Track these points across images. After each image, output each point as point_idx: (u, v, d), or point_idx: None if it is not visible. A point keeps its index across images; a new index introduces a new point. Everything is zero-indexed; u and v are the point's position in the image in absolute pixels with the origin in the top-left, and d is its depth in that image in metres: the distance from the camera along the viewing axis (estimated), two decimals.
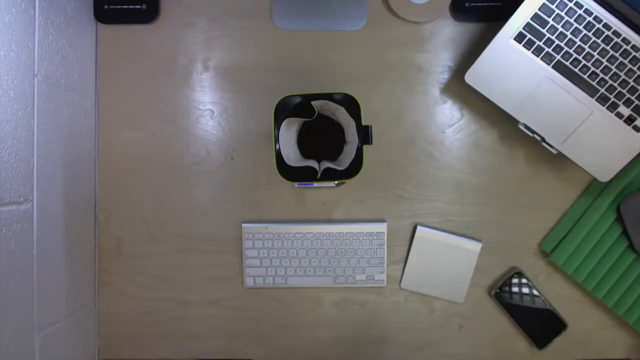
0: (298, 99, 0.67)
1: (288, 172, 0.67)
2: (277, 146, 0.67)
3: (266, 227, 0.79)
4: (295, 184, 0.78)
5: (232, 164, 0.81)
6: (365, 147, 0.67)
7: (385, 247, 0.79)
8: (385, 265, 0.80)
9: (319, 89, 0.74)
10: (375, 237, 0.79)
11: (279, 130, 0.67)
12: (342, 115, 0.68)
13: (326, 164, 0.67)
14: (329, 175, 0.67)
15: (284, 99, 0.67)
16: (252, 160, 0.80)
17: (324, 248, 0.79)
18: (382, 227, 0.79)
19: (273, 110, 0.67)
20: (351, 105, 0.67)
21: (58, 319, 0.70)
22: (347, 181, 0.68)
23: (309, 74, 0.80)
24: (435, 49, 0.80)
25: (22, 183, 0.62)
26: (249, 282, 0.80)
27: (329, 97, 0.67)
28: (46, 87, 0.67)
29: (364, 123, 0.69)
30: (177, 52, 0.81)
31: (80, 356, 0.77)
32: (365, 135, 0.67)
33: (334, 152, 0.72)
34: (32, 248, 0.64)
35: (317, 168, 0.67)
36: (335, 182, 0.75)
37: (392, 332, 0.81)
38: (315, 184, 0.73)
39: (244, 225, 0.80)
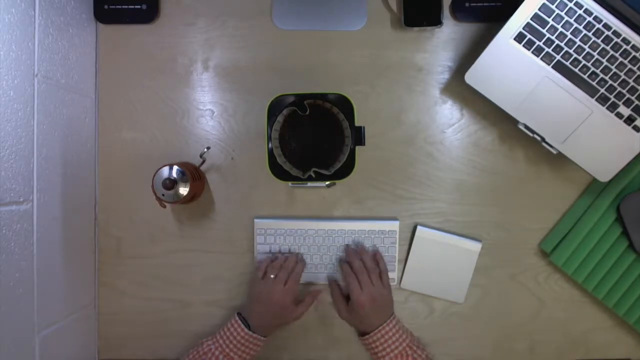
0: (292, 98, 0.67)
1: (280, 171, 0.67)
2: (270, 145, 0.67)
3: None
4: (289, 184, 0.78)
5: (232, 164, 0.81)
6: (361, 148, 0.67)
7: (397, 245, 0.79)
8: (396, 264, 0.79)
9: (319, 89, 0.74)
10: (387, 236, 0.79)
11: (271, 129, 0.67)
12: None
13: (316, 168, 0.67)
14: (322, 175, 0.67)
15: (277, 98, 0.68)
16: (252, 160, 0.80)
17: (336, 245, 0.79)
18: (394, 226, 0.79)
19: (266, 109, 0.67)
20: (345, 106, 0.67)
21: (58, 319, 0.70)
22: (343, 181, 0.68)
23: (309, 74, 0.80)
24: (435, 49, 0.80)
25: (22, 183, 0.62)
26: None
27: (322, 97, 0.67)
28: (46, 87, 0.67)
29: (364, 123, 0.69)
30: (177, 52, 0.81)
31: (80, 356, 0.77)
32: (358, 136, 0.67)
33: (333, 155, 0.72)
34: (32, 248, 0.64)
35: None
36: (326, 183, 0.75)
37: None
38: (310, 184, 0.73)
39: (256, 220, 0.80)
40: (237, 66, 0.81)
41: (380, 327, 0.71)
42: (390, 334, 0.71)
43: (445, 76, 0.80)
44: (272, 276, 0.74)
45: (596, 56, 0.69)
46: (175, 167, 0.72)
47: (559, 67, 0.70)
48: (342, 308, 0.75)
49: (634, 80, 0.69)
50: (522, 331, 0.80)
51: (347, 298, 0.76)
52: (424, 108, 0.80)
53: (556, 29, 0.69)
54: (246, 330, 0.71)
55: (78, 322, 0.76)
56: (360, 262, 0.75)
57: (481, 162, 0.80)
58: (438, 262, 0.79)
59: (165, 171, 0.72)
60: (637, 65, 0.69)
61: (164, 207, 0.74)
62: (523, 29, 0.70)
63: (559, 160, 0.77)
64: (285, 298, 0.72)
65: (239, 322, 0.72)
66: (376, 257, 0.77)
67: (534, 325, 0.80)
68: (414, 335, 0.76)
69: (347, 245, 0.79)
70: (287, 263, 0.76)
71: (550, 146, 0.72)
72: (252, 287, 0.76)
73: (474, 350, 0.81)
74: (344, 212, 0.81)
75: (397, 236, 0.79)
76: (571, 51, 0.69)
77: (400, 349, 0.70)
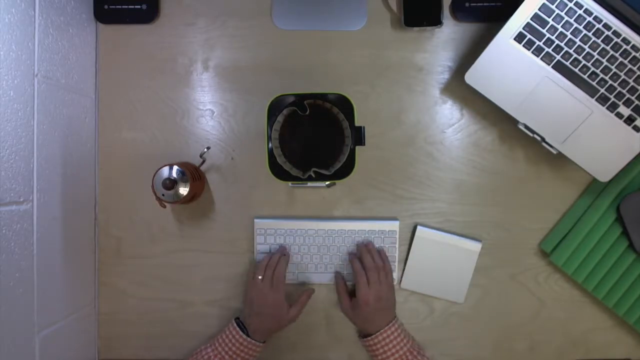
0: (292, 98, 0.67)
1: (280, 171, 0.67)
2: (270, 145, 0.67)
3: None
4: (289, 184, 0.78)
5: (232, 164, 0.81)
6: (361, 148, 0.67)
7: (397, 245, 0.79)
8: (396, 264, 0.79)
9: (319, 89, 0.74)
10: (387, 236, 0.79)
11: (271, 129, 0.67)
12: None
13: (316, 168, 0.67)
14: (322, 175, 0.67)
15: (277, 98, 0.68)
16: (252, 160, 0.80)
17: (336, 245, 0.79)
18: (394, 226, 0.79)
19: (266, 109, 0.67)
20: (345, 106, 0.67)
21: (58, 319, 0.70)
22: (343, 181, 0.68)
23: (309, 74, 0.80)
24: (435, 49, 0.80)
25: (22, 183, 0.62)
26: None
27: (322, 97, 0.67)
28: (46, 87, 0.67)
29: (364, 123, 0.69)
30: (177, 52, 0.81)
31: (80, 356, 0.77)
32: (358, 136, 0.67)
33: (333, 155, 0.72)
34: (32, 248, 0.64)
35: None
36: (326, 183, 0.75)
37: None
38: (310, 184, 0.73)
39: (256, 220, 0.80)
40: (237, 66, 0.81)
41: (382, 330, 0.71)
42: (392, 337, 0.71)
43: (445, 76, 0.80)
44: (259, 277, 0.73)
45: (596, 56, 0.69)
46: (175, 167, 0.72)
47: (559, 67, 0.70)
48: (345, 302, 0.76)
49: (634, 80, 0.69)
50: (522, 331, 0.80)
51: (352, 294, 0.76)
52: (424, 108, 0.80)
53: (556, 29, 0.69)
54: (244, 336, 0.71)
55: (78, 322, 0.76)
56: (371, 259, 0.75)
57: (481, 162, 0.80)
58: (438, 262, 0.79)
59: (165, 171, 0.72)
60: (637, 65, 0.69)
61: (164, 207, 0.74)
62: (523, 29, 0.70)
63: (559, 160, 0.77)
64: (275, 298, 0.72)
65: (237, 328, 0.72)
66: (381, 255, 0.77)
67: (534, 325, 0.80)
68: (415, 340, 0.76)
69: (359, 243, 0.78)
70: (272, 261, 0.75)
71: (550, 146, 0.72)
72: (245, 291, 0.76)
73: (474, 350, 0.81)
74: (344, 212, 0.81)
75: (397, 236, 0.79)
76: (571, 51, 0.69)
77: (400, 353, 0.71)
